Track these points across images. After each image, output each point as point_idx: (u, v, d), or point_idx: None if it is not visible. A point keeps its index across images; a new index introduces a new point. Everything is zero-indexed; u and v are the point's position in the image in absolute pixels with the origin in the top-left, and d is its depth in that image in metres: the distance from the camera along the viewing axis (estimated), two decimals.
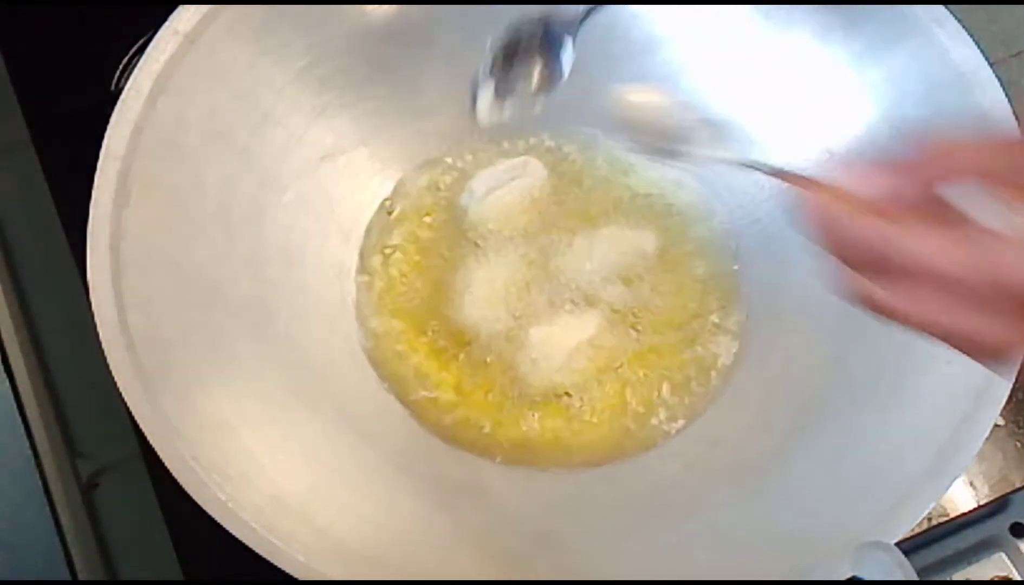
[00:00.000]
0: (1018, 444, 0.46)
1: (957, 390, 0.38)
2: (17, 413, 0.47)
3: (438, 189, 0.49)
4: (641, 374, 0.46)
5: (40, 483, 0.46)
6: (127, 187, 0.39)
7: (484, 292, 0.47)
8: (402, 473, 0.42)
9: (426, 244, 0.48)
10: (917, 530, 0.40)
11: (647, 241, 0.48)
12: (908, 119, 0.42)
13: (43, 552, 0.45)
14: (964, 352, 0.24)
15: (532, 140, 0.50)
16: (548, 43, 0.41)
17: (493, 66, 0.41)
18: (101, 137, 0.40)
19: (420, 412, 0.45)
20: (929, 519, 0.44)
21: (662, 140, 0.34)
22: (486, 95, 0.41)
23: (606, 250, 0.48)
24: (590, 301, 0.47)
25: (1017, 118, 0.40)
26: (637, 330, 0.46)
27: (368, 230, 0.48)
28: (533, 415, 0.45)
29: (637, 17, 0.47)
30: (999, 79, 0.41)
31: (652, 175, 0.49)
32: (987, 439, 0.37)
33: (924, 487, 0.36)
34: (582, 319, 0.46)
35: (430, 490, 0.42)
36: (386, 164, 0.49)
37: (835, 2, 0.43)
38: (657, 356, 0.46)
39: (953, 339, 0.24)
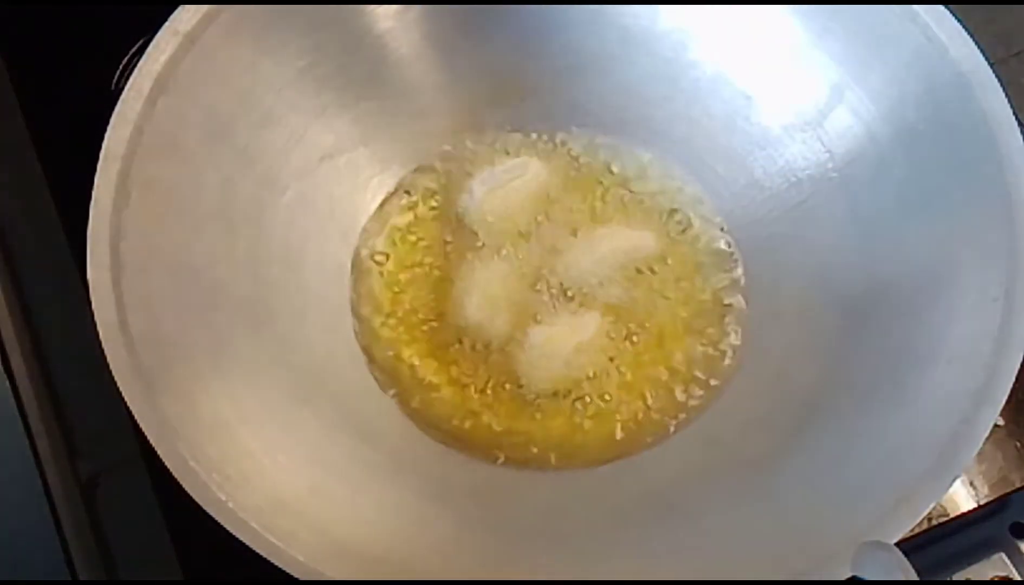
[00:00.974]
0: (1018, 444, 0.46)
1: (957, 390, 0.38)
2: (17, 413, 0.47)
3: (438, 189, 0.49)
4: (641, 374, 0.46)
5: (40, 483, 0.46)
6: (127, 187, 0.39)
7: (484, 292, 0.47)
8: (402, 473, 0.42)
9: (426, 244, 0.48)
10: (917, 530, 0.40)
11: (647, 241, 0.48)
12: (908, 119, 0.42)
13: (43, 552, 0.45)
14: None
15: (532, 140, 0.50)
16: None
17: None
18: (101, 137, 0.40)
19: (420, 412, 0.45)
20: (929, 519, 0.44)
21: None
22: None
23: (606, 250, 0.48)
24: (590, 301, 0.47)
25: (1017, 118, 0.40)
26: (637, 330, 0.46)
27: (368, 230, 0.48)
28: (533, 415, 0.45)
29: (637, 16, 0.47)
30: (999, 79, 0.41)
31: (653, 175, 0.49)
32: (987, 439, 0.37)
33: (924, 487, 0.36)
34: (582, 319, 0.46)
35: (430, 490, 0.42)
36: (386, 164, 0.49)
37: (835, 2, 0.43)
38: (657, 356, 0.46)
39: None
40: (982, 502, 0.45)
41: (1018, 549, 0.46)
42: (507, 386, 0.45)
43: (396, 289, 0.47)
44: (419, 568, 0.38)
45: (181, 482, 0.36)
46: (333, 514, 0.39)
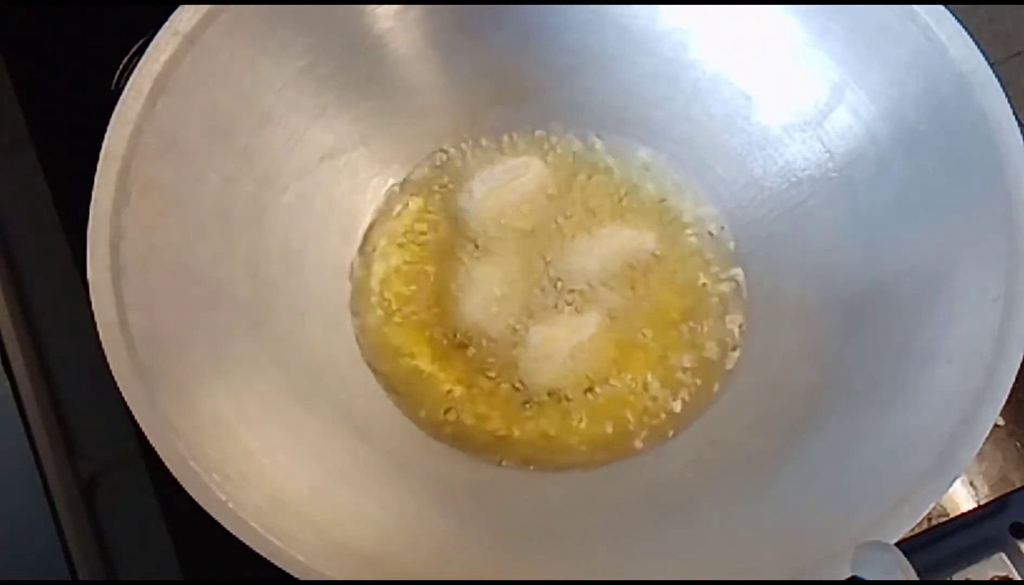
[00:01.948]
0: (1018, 444, 0.46)
1: (957, 390, 0.38)
2: (17, 413, 0.47)
3: (438, 189, 0.49)
4: (641, 374, 0.46)
5: (40, 483, 0.46)
6: (127, 187, 0.39)
7: (484, 292, 0.47)
8: (402, 473, 0.42)
9: (426, 244, 0.48)
10: (917, 530, 0.40)
11: (647, 241, 0.48)
12: (908, 119, 0.42)
13: (43, 552, 0.45)
14: None
15: (532, 140, 0.50)
16: None
17: None
18: (101, 137, 0.40)
19: (419, 412, 0.45)
20: (929, 519, 0.44)
21: None
22: None
23: (606, 250, 0.48)
24: (590, 301, 0.47)
25: (1017, 118, 0.40)
26: (636, 330, 0.46)
27: (368, 230, 0.48)
28: (533, 415, 0.45)
29: (637, 16, 0.47)
30: (999, 79, 0.41)
31: (652, 175, 0.49)
32: (987, 439, 0.37)
33: (924, 487, 0.36)
34: (582, 319, 0.46)
35: (430, 490, 0.42)
36: (386, 164, 0.49)
37: (835, 2, 0.43)
38: (657, 356, 0.46)
39: None
40: (982, 502, 0.45)
41: (1018, 549, 0.46)
42: (507, 386, 0.45)
43: (396, 289, 0.47)
44: (419, 568, 0.38)
45: (181, 482, 0.36)
46: (333, 514, 0.39)
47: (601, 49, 0.48)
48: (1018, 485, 0.46)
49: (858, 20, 0.43)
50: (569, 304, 0.47)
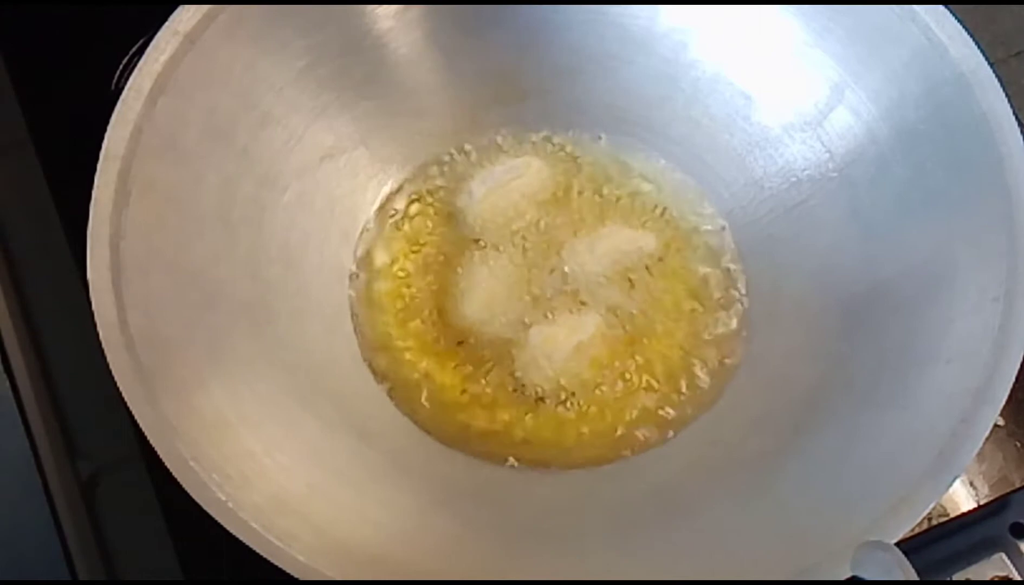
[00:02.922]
0: (1018, 444, 0.46)
1: (957, 390, 0.38)
2: (17, 413, 0.47)
3: (438, 189, 0.49)
4: (641, 374, 0.46)
5: (40, 483, 0.46)
6: (127, 187, 0.39)
7: (484, 292, 0.47)
8: (402, 473, 0.42)
9: (426, 244, 0.48)
10: (917, 530, 0.40)
11: (647, 241, 0.48)
12: (908, 119, 0.42)
13: (43, 552, 0.45)
14: None
15: (532, 140, 0.50)
16: None
17: None
18: (101, 137, 0.40)
19: (419, 412, 0.45)
20: (929, 519, 0.44)
21: None
22: None
23: (606, 250, 0.48)
24: (590, 301, 0.47)
25: (1017, 118, 0.40)
26: (637, 329, 0.46)
27: (368, 230, 0.48)
28: (533, 415, 0.45)
29: (637, 16, 0.47)
30: (999, 79, 0.41)
31: (652, 175, 0.49)
32: (987, 439, 0.37)
33: (924, 487, 0.36)
34: (582, 319, 0.46)
35: (430, 490, 0.42)
36: (386, 164, 0.49)
37: (835, 2, 0.43)
38: (657, 356, 0.46)
39: None
40: (982, 502, 0.45)
41: (1018, 549, 0.46)
42: (507, 385, 0.45)
43: (396, 289, 0.47)
44: (419, 568, 0.38)
45: (181, 482, 0.36)
46: (333, 514, 0.39)
47: (601, 49, 0.48)
48: (1018, 485, 0.46)
49: (858, 20, 0.43)
50: (569, 304, 0.47)
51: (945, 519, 0.45)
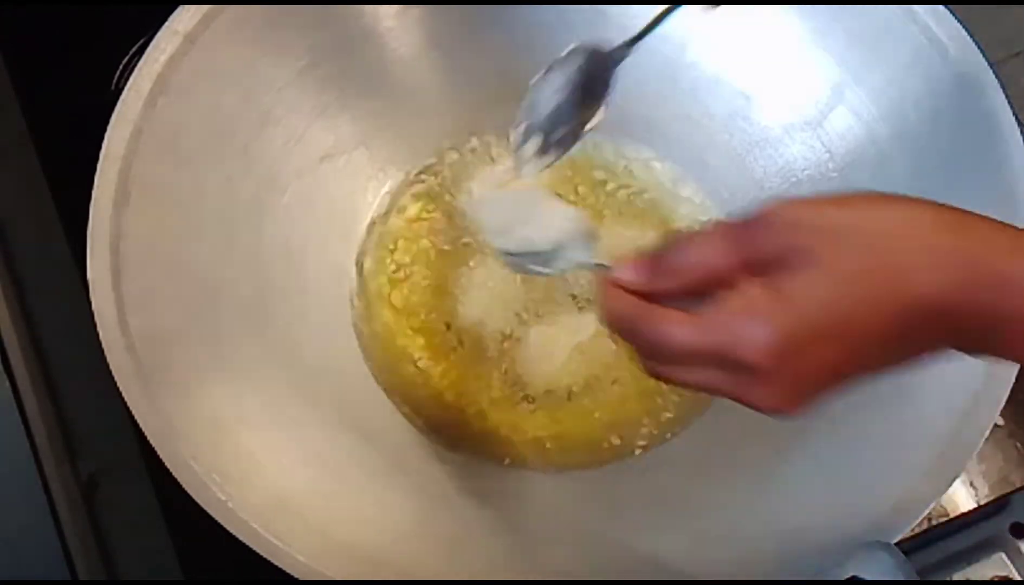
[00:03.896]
0: (1018, 444, 0.46)
1: (957, 390, 0.38)
2: (17, 413, 0.47)
3: (438, 189, 0.49)
4: (640, 374, 0.45)
5: (40, 483, 0.46)
6: (127, 187, 0.39)
7: (484, 292, 0.47)
8: (402, 473, 0.42)
9: (426, 245, 0.48)
10: (917, 530, 0.40)
11: (647, 240, 0.48)
12: (908, 119, 0.42)
13: (43, 552, 0.45)
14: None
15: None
16: (591, 78, 0.38)
17: (533, 111, 0.37)
18: (101, 137, 0.40)
19: (419, 411, 0.45)
20: (929, 519, 0.44)
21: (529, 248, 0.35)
22: (530, 145, 0.38)
23: (607, 250, 0.48)
24: (590, 301, 0.47)
25: (1017, 118, 0.40)
26: None
27: (368, 230, 0.48)
28: (533, 414, 0.45)
29: (637, 16, 0.47)
30: (999, 79, 0.41)
31: (652, 176, 0.49)
32: (987, 439, 0.37)
33: (924, 487, 0.36)
34: (582, 319, 0.46)
35: (429, 490, 0.43)
36: (386, 164, 0.49)
37: (835, 2, 0.43)
38: None
39: (715, 393, 0.30)
40: (982, 502, 0.45)
41: (1018, 549, 0.46)
42: (507, 385, 0.45)
43: (396, 289, 0.47)
44: (419, 568, 0.38)
45: (181, 482, 0.36)
46: (333, 514, 0.39)
47: None
48: (1018, 485, 0.46)
49: (858, 20, 0.43)
50: (569, 304, 0.47)
51: (945, 519, 0.45)
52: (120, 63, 0.50)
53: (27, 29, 0.53)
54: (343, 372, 0.45)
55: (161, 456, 0.36)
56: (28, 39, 0.53)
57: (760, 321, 0.27)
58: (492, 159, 0.50)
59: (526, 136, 0.38)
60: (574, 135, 0.38)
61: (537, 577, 0.39)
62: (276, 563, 0.35)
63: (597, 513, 0.43)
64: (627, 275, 0.30)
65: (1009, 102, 0.40)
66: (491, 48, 0.48)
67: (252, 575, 0.38)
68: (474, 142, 0.50)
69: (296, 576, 0.35)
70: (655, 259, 0.30)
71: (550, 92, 0.38)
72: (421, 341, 0.46)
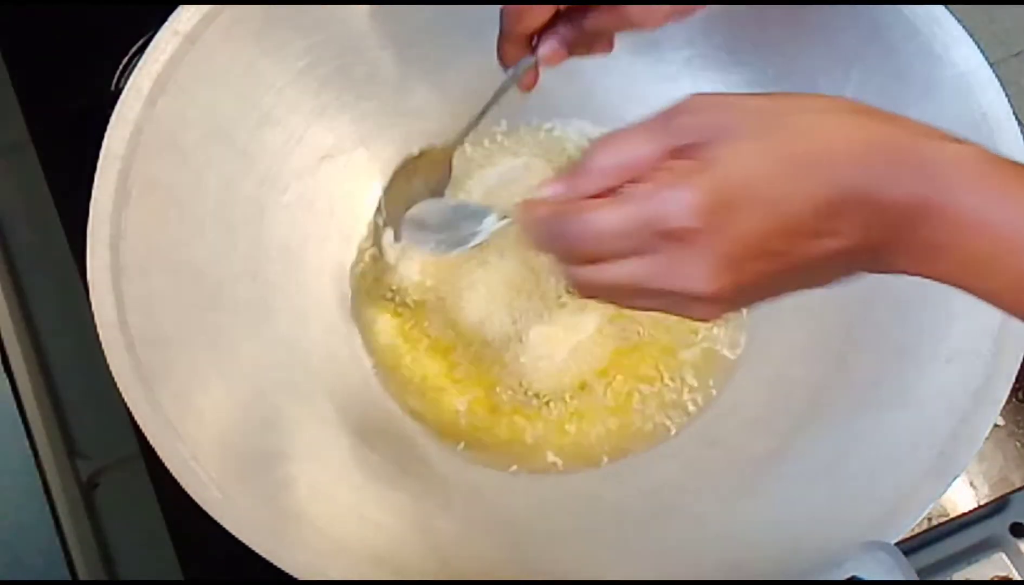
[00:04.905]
0: (1018, 444, 0.46)
1: (957, 390, 0.38)
2: (17, 413, 0.47)
3: None
4: (641, 374, 0.46)
5: (40, 483, 0.46)
6: (127, 187, 0.39)
7: (484, 292, 0.47)
8: (402, 473, 0.42)
9: None
10: (917, 530, 0.40)
11: None
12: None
13: (43, 552, 0.45)
14: (666, 311, 0.29)
15: (532, 139, 0.50)
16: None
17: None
18: (101, 137, 0.40)
19: (419, 412, 0.45)
20: (929, 519, 0.44)
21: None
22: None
23: None
24: (589, 301, 0.47)
25: (1017, 118, 0.40)
26: (636, 330, 0.46)
27: (368, 230, 0.48)
28: (532, 414, 0.45)
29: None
30: (999, 79, 0.41)
31: None
32: (987, 439, 0.37)
33: (924, 487, 0.36)
34: (582, 319, 0.46)
35: (430, 490, 0.42)
36: (386, 164, 0.49)
37: (836, 2, 0.43)
38: (657, 356, 0.46)
39: (646, 295, 0.28)
40: (982, 502, 0.45)
41: (1018, 549, 0.46)
42: (506, 385, 0.45)
43: (396, 290, 0.47)
44: (419, 568, 0.38)
45: (181, 482, 0.36)
46: (333, 514, 0.39)
47: None
48: (1018, 485, 0.46)
49: (858, 20, 0.43)
50: (569, 304, 0.47)
51: (945, 519, 0.45)
52: (120, 63, 0.50)
53: (27, 29, 0.53)
54: (343, 372, 0.45)
55: (161, 456, 0.36)
56: (28, 39, 0.53)
57: (686, 186, 0.26)
58: (492, 159, 0.50)
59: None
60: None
61: (537, 577, 0.39)
62: (276, 563, 0.35)
63: (597, 513, 0.43)
64: (547, 190, 0.29)
65: (1009, 102, 0.40)
66: (491, 48, 0.48)
67: (252, 575, 0.38)
68: (474, 142, 0.50)
69: (296, 576, 0.35)
70: (573, 169, 0.29)
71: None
72: (421, 341, 0.46)
